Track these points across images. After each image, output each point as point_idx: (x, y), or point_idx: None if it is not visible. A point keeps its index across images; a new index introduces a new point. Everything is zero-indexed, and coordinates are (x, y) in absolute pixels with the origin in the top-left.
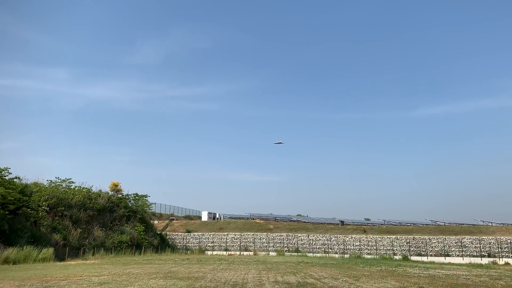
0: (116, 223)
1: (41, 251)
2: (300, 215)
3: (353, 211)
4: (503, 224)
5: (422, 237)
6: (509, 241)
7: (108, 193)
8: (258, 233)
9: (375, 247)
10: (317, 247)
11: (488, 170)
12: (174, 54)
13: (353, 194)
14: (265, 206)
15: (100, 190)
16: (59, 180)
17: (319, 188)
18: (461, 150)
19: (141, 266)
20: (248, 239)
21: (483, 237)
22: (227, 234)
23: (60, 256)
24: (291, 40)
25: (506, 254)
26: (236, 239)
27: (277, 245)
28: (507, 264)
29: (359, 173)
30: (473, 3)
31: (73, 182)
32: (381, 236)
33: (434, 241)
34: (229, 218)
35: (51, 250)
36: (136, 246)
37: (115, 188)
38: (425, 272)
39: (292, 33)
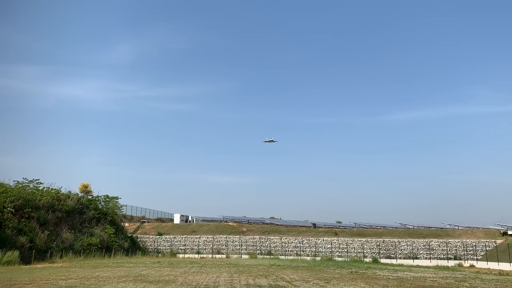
0: (86, 225)
1: (5, 254)
2: (273, 217)
3: (325, 214)
4: (468, 227)
5: (391, 240)
6: (474, 244)
7: (78, 194)
8: (231, 236)
9: (346, 250)
10: (290, 249)
11: (456, 175)
12: (150, 53)
13: (325, 197)
14: (239, 208)
15: (70, 192)
16: (27, 181)
17: (292, 190)
18: (431, 155)
19: (110, 269)
20: (221, 242)
21: (450, 240)
22: (200, 237)
23: (26, 259)
24: (269, 42)
25: (471, 257)
26: (209, 242)
27: (250, 248)
28: (472, 266)
29: (331, 176)
30: (445, 14)
31: (41, 183)
32: (352, 239)
33: (403, 244)
34: (202, 220)
35: (16, 253)
36: (106, 249)
37: (85, 189)
38: (394, 275)
39: (270, 36)
